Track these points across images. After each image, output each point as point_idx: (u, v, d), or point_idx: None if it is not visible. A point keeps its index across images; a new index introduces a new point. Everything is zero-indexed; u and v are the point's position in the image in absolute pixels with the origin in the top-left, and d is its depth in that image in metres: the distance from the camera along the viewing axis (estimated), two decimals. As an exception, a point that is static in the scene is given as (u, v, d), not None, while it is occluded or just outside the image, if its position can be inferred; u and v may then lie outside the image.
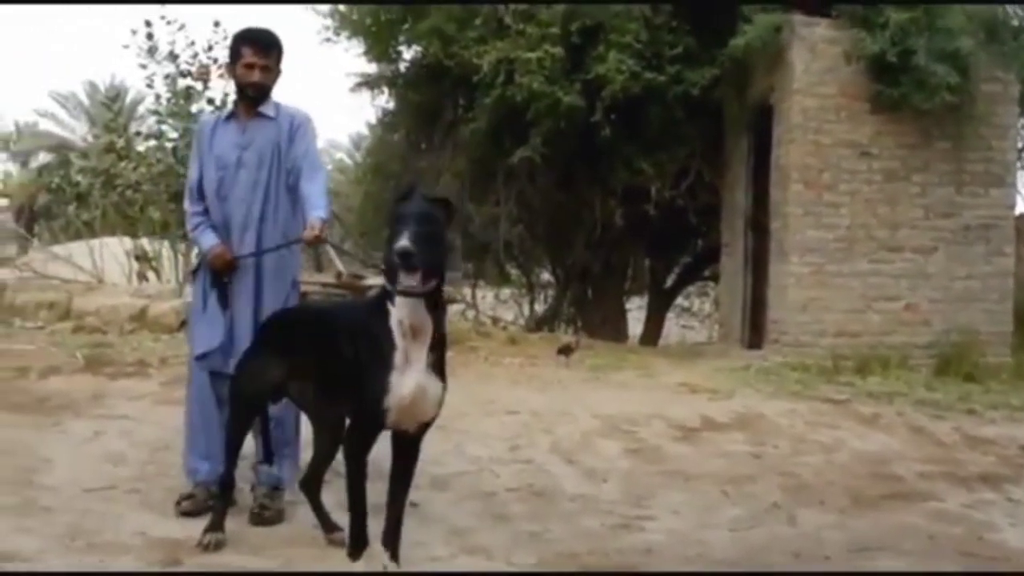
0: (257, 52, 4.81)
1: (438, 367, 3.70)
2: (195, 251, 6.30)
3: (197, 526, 4.34)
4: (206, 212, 4.92)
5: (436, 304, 3.60)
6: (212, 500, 4.52)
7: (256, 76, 4.80)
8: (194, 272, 5.17)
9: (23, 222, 33.68)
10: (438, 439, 4.58)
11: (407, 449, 3.85)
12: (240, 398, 4.37)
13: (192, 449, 4.90)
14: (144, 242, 12.26)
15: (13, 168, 40.72)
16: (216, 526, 4.27)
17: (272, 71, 4.86)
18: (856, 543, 4.76)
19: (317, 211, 4.61)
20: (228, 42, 5.35)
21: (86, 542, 4.20)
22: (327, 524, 4.42)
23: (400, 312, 3.57)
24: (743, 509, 5.25)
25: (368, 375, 3.64)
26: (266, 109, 4.88)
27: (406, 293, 3.46)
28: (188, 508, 4.68)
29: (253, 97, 4.86)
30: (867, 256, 9.78)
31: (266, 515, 4.60)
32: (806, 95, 9.66)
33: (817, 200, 9.70)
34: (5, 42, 67.57)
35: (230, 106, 5.44)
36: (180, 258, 11.46)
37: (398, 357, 3.60)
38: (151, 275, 11.94)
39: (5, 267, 13.55)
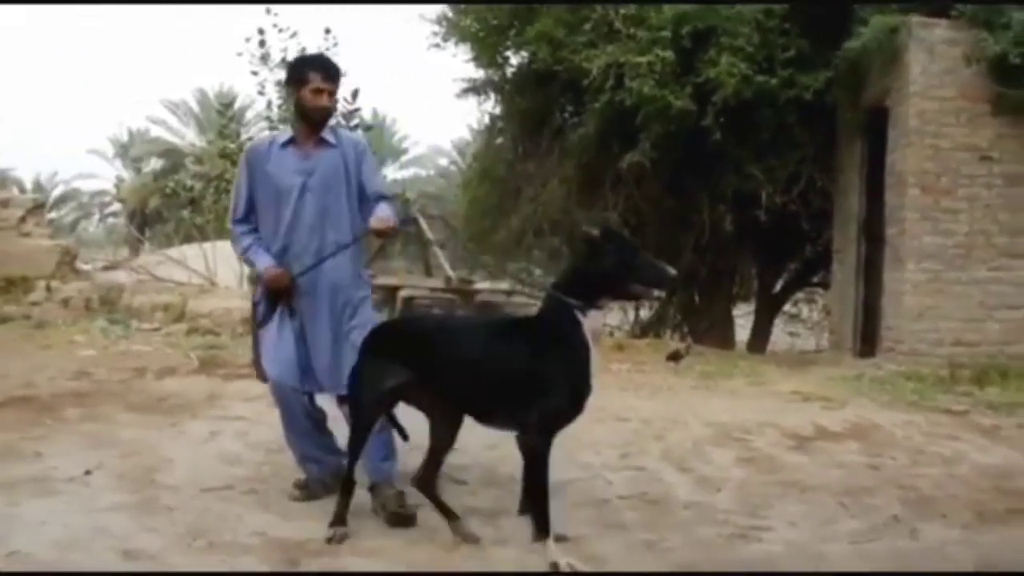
0: (326, 78, 4.87)
1: None
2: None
3: (315, 528, 4.39)
4: (255, 230, 4.93)
5: None
6: (324, 492, 4.80)
7: (324, 101, 4.86)
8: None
9: (135, 225, 34.65)
10: (550, 445, 4.56)
11: None
12: (360, 407, 4.42)
13: (296, 455, 5.02)
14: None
15: (126, 173, 41.93)
16: (340, 520, 4.34)
17: (334, 97, 4.99)
18: (984, 560, 4.58)
19: (382, 209, 4.76)
20: (290, 66, 5.36)
21: (207, 542, 4.26)
22: (450, 514, 4.46)
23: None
24: (862, 522, 5.10)
25: None
26: (326, 135, 4.92)
27: None
28: (299, 497, 4.91)
29: (318, 122, 4.89)
30: (986, 263, 9.53)
31: (406, 514, 4.57)
32: (924, 98, 9.44)
33: (935, 205, 9.48)
34: (120, 53, 69.81)
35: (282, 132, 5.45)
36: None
37: None
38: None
39: (120, 268, 13.89)
